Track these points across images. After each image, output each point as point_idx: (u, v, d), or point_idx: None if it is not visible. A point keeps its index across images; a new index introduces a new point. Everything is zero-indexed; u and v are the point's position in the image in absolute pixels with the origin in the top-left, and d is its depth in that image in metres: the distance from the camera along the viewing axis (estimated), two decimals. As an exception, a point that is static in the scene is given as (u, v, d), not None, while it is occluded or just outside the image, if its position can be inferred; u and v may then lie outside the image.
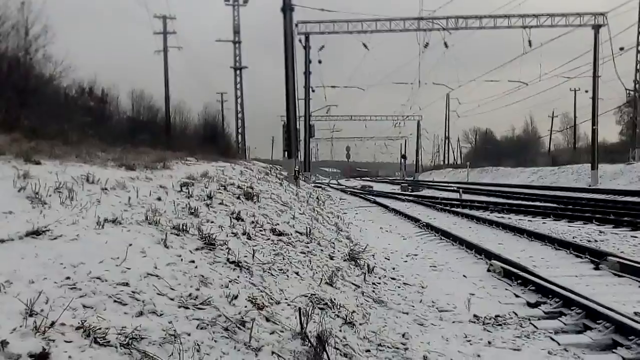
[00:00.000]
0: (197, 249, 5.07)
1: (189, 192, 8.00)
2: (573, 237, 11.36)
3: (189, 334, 3.24)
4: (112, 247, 4.27)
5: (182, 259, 4.57)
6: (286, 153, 23.01)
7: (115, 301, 3.36)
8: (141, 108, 30.18)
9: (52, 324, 2.83)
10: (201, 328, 3.37)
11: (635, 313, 5.55)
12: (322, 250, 7.46)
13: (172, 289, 3.84)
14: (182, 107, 35.81)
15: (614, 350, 4.61)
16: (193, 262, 4.60)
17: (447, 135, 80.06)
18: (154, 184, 8.26)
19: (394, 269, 8.40)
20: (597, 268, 8.14)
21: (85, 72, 35.75)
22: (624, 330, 4.76)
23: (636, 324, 4.74)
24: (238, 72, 41.87)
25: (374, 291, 6.47)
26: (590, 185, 33.77)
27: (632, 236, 11.64)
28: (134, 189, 7.13)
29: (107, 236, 4.55)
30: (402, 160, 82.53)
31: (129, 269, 3.89)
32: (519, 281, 7.06)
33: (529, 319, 5.64)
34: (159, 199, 7.03)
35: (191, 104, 63.71)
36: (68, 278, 3.51)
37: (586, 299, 5.68)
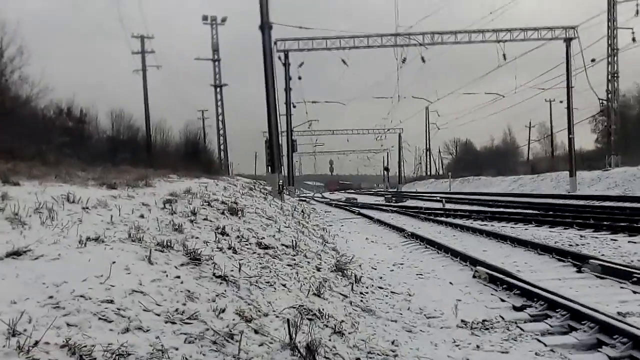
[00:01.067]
0: (182, 265, 5.02)
1: (172, 209, 7.93)
2: (555, 242, 11.49)
3: (176, 349, 3.20)
4: (95, 265, 4.21)
5: (167, 275, 4.53)
6: (269, 168, 22.95)
7: (100, 318, 3.32)
8: (121, 127, 30.03)
9: (36, 343, 2.79)
10: (189, 342, 3.34)
11: (619, 313, 5.64)
12: (308, 262, 7.44)
13: (158, 305, 3.79)
14: (163, 125, 35.71)
15: (599, 349, 4.67)
16: (179, 277, 4.56)
17: (427, 147, 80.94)
18: (136, 202, 8.18)
19: (381, 278, 8.40)
20: (579, 271, 8.23)
21: (62, 93, 35.58)
22: (608, 329, 4.83)
23: (619, 323, 4.82)
24: (218, 89, 41.93)
25: (362, 300, 6.46)
26: (569, 192, 34.27)
27: (612, 239, 11.82)
28: (116, 207, 7.05)
29: (89, 255, 4.49)
30: (385, 172, 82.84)
31: (113, 286, 3.84)
32: (504, 286, 7.12)
33: (516, 322, 5.68)
34: (142, 216, 6.96)
35: (172, 122, 63.41)
36: (51, 297, 3.45)
37: (570, 301, 5.76)
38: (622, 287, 7.05)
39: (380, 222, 19.34)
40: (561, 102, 42.62)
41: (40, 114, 20.89)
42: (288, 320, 4.05)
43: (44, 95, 20.09)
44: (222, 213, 9.07)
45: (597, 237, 12.31)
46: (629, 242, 11.33)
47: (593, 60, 36.58)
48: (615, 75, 39.30)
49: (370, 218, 21.71)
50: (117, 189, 9.55)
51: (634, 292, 6.72)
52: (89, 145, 22.95)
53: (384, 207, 29.28)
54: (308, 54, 35.99)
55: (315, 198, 55.12)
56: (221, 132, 43.22)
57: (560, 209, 21.39)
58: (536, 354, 4.69)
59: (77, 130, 24.09)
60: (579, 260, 8.57)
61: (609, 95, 40.03)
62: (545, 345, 4.89)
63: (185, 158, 29.85)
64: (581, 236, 12.70)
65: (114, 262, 4.33)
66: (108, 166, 15.27)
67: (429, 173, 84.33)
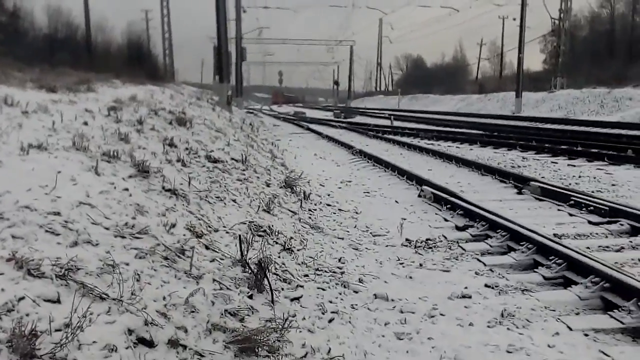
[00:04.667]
0: (130, 177, 4.91)
1: (117, 117, 7.67)
2: (498, 163, 11.87)
3: (127, 264, 3.17)
4: (39, 174, 4.04)
5: (115, 187, 4.42)
6: (217, 77, 22.37)
7: (47, 231, 3.22)
8: (59, 24, 28.21)
9: (-20, 256, 2.70)
10: (140, 257, 3.31)
11: (555, 234, 5.89)
12: (258, 177, 7.43)
13: (107, 218, 3.72)
14: (104, 24, 33.85)
15: (535, 270, 4.89)
16: (127, 190, 4.45)
17: (379, 61, 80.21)
18: (79, 108, 7.86)
19: (328, 195, 8.51)
20: (520, 193, 8.54)
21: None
22: (545, 250, 5.04)
23: (555, 245, 5.01)
24: (164, -11, 39.73)
25: (310, 217, 6.56)
26: (514, 113, 35.08)
27: (552, 162, 12.30)
28: (57, 112, 6.74)
29: (33, 163, 4.29)
30: (335, 86, 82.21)
31: (59, 197, 3.71)
32: (448, 206, 7.33)
33: (457, 242, 5.89)
34: (86, 123, 6.69)
35: (114, 22, 60.12)
36: (-6, 208, 3.32)
37: (510, 221, 5.93)
38: (559, 210, 7.34)
39: (329, 138, 19.40)
40: (514, 19, 42.64)
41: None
42: (240, 236, 4.07)
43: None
44: (170, 123, 8.86)
45: (538, 160, 12.76)
46: (568, 165, 11.81)
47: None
48: (570, -8, 39.28)
49: (319, 134, 21.71)
50: (58, 92, 9.14)
51: (570, 215, 7.00)
52: (25, 43, 21.57)
53: (333, 123, 29.29)
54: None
55: (264, 111, 54.47)
56: (166, 35, 41.47)
57: (504, 130, 21.97)
58: (476, 273, 4.90)
59: (11, 26, 22.52)
60: (520, 182, 8.85)
61: (561, 15, 40.21)
62: (485, 264, 5.10)
63: (128, 62, 28.58)
64: (523, 158, 13.15)
65: (59, 172, 4.17)
66: (46, 67, 14.46)
67: (379, 89, 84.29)
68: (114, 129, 6.65)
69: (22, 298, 2.51)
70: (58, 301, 2.60)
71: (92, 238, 3.33)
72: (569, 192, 7.74)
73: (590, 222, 6.60)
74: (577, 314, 4.02)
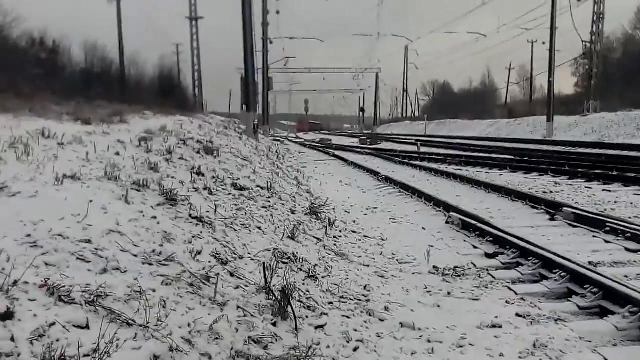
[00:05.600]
0: (158, 205, 5.02)
1: (148, 147, 7.86)
2: (529, 189, 11.68)
3: (154, 290, 3.24)
4: (72, 203, 4.18)
5: (144, 215, 4.53)
6: (244, 106, 22.69)
7: (78, 258, 3.32)
8: (94, 59, 29.06)
9: (15, 282, 2.79)
10: (166, 284, 3.38)
11: (590, 262, 5.73)
12: (283, 204, 7.50)
13: (136, 246, 3.81)
14: (137, 58, 34.70)
15: (569, 298, 4.75)
16: (155, 217, 4.56)
17: (405, 87, 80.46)
18: (111, 139, 8.08)
19: (354, 222, 8.52)
20: (552, 219, 8.38)
21: (35, 22, 34.06)
22: (579, 279, 4.90)
23: (590, 273, 4.87)
24: (194, 22, 40.76)
25: (335, 244, 6.56)
26: (545, 137, 34.56)
27: (586, 187, 12.04)
28: (91, 143, 6.95)
29: (66, 192, 4.44)
30: (361, 113, 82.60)
31: (90, 225, 3.82)
32: (477, 233, 7.22)
33: (487, 270, 5.80)
34: (118, 153, 6.88)
35: (146, 55, 61.81)
36: (29, 236, 3.43)
37: (542, 249, 5.82)
38: (594, 236, 7.15)
39: (355, 165, 19.42)
40: (543, 43, 42.19)
41: (13, 44, 20.04)
42: (263, 263, 4.11)
43: (17, 25, 19.24)
44: (198, 152, 9.03)
45: (571, 185, 12.52)
46: (603, 190, 11.55)
47: (579, 0, 36.11)
48: (601, 16, 38.76)
49: (345, 160, 21.76)
50: (92, 124, 9.41)
51: (606, 242, 6.82)
52: (63, 78, 22.27)
53: (359, 149, 29.34)
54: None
55: (290, 138, 54.95)
56: (196, 67, 42.36)
57: (535, 155, 21.67)
58: (506, 301, 4.80)
59: (50, 61, 23.26)
60: (553, 208, 8.70)
61: (593, 38, 39.72)
62: (516, 293, 5.00)
63: (159, 94, 29.23)
64: (556, 183, 12.92)
65: (91, 201, 4.30)
66: (82, 100, 14.92)
67: (405, 115, 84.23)
68: (144, 159, 6.81)
69: (53, 324, 2.58)
70: (87, 327, 2.67)
71: (120, 265, 3.41)
72: (605, 218, 7.55)
73: (627, 250, 6.44)
74: (615, 345, 3.91)
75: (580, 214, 8.00)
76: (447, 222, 8.27)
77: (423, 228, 8.15)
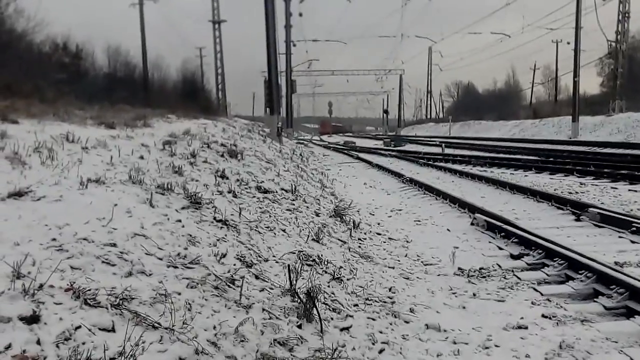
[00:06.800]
0: (183, 208, 5.04)
1: (171, 151, 7.90)
2: (554, 189, 11.54)
3: (179, 294, 3.24)
4: (97, 207, 4.21)
5: (168, 219, 4.54)
6: (268, 109, 22.78)
7: (103, 262, 3.33)
8: (117, 64, 29.47)
9: (41, 286, 2.80)
10: (191, 287, 3.37)
11: (616, 263, 5.67)
12: (307, 207, 7.48)
13: (160, 249, 3.82)
14: (160, 62, 35.11)
15: (595, 299, 4.70)
16: (180, 221, 4.57)
17: (429, 89, 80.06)
18: (135, 143, 8.14)
19: (379, 224, 8.47)
20: (578, 219, 8.28)
21: (58, 27, 34.62)
22: (605, 279, 4.85)
23: (617, 274, 4.83)
24: (217, 26, 41.07)
25: (360, 246, 6.53)
26: (570, 138, 34.09)
27: (612, 187, 11.85)
28: (115, 147, 7.01)
29: (91, 196, 4.48)
30: (385, 115, 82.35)
31: (115, 229, 3.85)
32: (502, 234, 7.14)
33: (513, 271, 5.74)
34: (142, 157, 6.92)
35: (169, 60, 62.48)
36: (54, 239, 3.46)
37: (568, 249, 5.77)
38: (620, 237, 7.08)
39: (379, 167, 19.35)
40: (568, 43, 41.64)
41: (37, 49, 20.42)
42: (288, 266, 4.09)
43: (40, 30, 19.58)
44: (222, 155, 9.05)
45: (597, 185, 12.35)
46: (629, 190, 11.38)
47: (604, -1, 35.57)
48: (627, 15, 38.13)
49: (369, 162, 21.69)
50: (116, 128, 9.50)
51: (632, 242, 6.75)
52: (86, 82, 22.60)
53: (383, 152, 29.26)
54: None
55: (314, 141, 55.02)
56: (219, 71, 42.69)
57: (561, 156, 21.37)
58: (532, 302, 4.75)
59: (73, 66, 23.66)
60: (578, 209, 8.59)
61: (618, 37, 39.08)
62: (542, 294, 4.95)
63: (183, 97, 29.48)
64: (581, 184, 12.74)
65: (115, 205, 4.33)
66: (105, 104, 15.11)
67: (429, 116, 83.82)
68: (168, 162, 6.85)
69: (79, 327, 2.59)
70: (112, 330, 2.68)
71: (145, 268, 3.42)
72: (631, 219, 7.45)
73: (654, 250, 6.32)
74: (641, 345, 3.83)
75: (606, 214, 7.89)
76: (472, 224, 8.18)
77: (448, 229, 8.07)
